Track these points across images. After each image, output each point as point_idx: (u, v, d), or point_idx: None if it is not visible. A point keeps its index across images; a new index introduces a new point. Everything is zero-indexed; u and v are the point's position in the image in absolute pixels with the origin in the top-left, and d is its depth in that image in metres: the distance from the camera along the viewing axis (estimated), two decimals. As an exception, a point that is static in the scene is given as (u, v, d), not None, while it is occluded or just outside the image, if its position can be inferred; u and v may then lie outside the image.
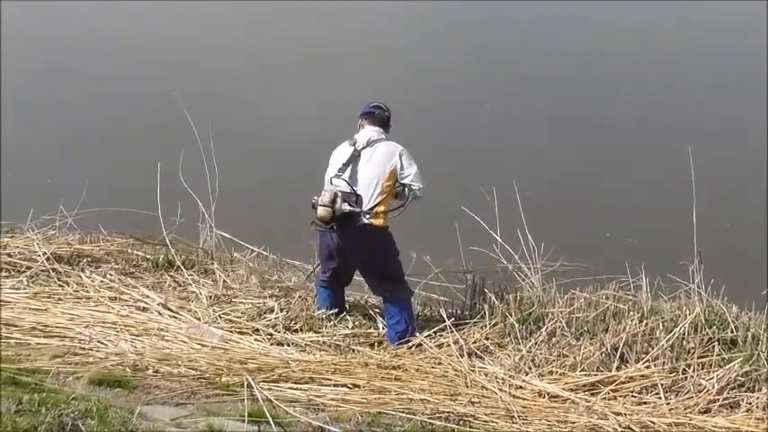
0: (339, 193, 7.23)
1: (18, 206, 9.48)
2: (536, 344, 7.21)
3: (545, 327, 7.35)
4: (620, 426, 5.90)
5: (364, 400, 6.00)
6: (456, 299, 8.28)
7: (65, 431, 4.52)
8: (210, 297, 7.96)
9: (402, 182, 7.48)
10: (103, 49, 16.12)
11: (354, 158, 7.44)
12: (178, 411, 5.52)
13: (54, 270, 8.10)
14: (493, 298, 7.82)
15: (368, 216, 7.32)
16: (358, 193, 7.33)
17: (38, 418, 4.52)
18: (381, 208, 7.39)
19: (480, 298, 8.04)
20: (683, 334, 6.94)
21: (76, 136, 13.25)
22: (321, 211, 7.20)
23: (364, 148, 7.48)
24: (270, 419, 5.26)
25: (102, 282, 8.06)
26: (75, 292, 7.83)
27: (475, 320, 7.71)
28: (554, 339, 7.25)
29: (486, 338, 7.40)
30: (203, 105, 12.19)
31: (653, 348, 6.90)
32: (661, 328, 7.04)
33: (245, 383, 5.79)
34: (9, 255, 8.27)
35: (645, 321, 7.13)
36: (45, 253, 8.25)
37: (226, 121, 12.16)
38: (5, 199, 10.36)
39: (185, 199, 9.05)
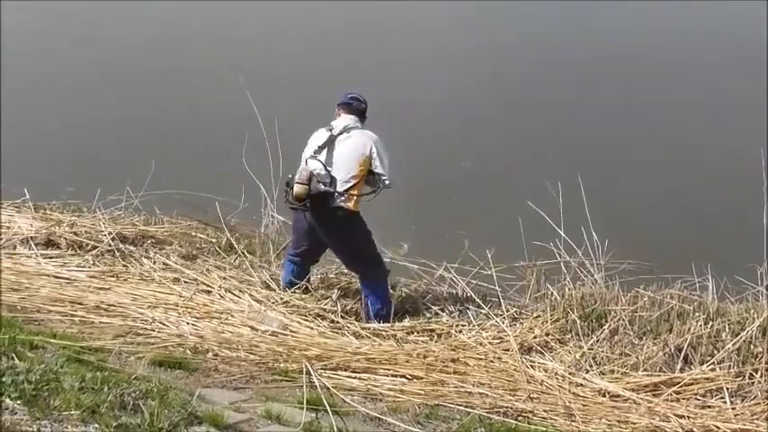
0: (314, 173, 7.39)
1: (86, 186, 9.60)
2: (597, 341, 7.09)
3: (607, 324, 7.22)
4: (682, 429, 5.79)
5: (422, 392, 5.97)
6: (518, 292, 8.20)
7: (126, 410, 4.53)
8: (272, 282, 7.98)
9: (374, 171, 7.61)
10: (175, 35, 16.25)
11: (330, 143, 7.60)
12: (237, 395, 5.54)
13: (119, 250, 8.20)
14: (555, 293, 7.74)
15: (341, 198, 7.47)
16: (333, 175, 7.47)
17: (100, 397, 4.55)
18: (354, 192, 7.52)
19: (542, 293, 7.96)
20: (751, 337, 6.78)
21: (145, 117, 13.36)
22: (298, 188, 7.36)
23: (340, 133, 7.64)
24: (327, 408, 5.24)
25: (165, 263, 8.13)
26: (138, 272, 7.91)
27: (536, 315, 7.63)
28: (616, 338, 7.12)
29: (547, 334, 7.29)
30: (269, 90, 12.24)
31: (718, 351, 6.74)
32: (727, 330, 6.90)
33: (304, 370, 5.79)
34: (76, 234, 8.38)
35: (710, 323, 6.97)
36: (111, 233, 8.34)
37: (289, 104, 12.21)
38: (74, 178, 10.51)
39: (249, 184, 9.10)
